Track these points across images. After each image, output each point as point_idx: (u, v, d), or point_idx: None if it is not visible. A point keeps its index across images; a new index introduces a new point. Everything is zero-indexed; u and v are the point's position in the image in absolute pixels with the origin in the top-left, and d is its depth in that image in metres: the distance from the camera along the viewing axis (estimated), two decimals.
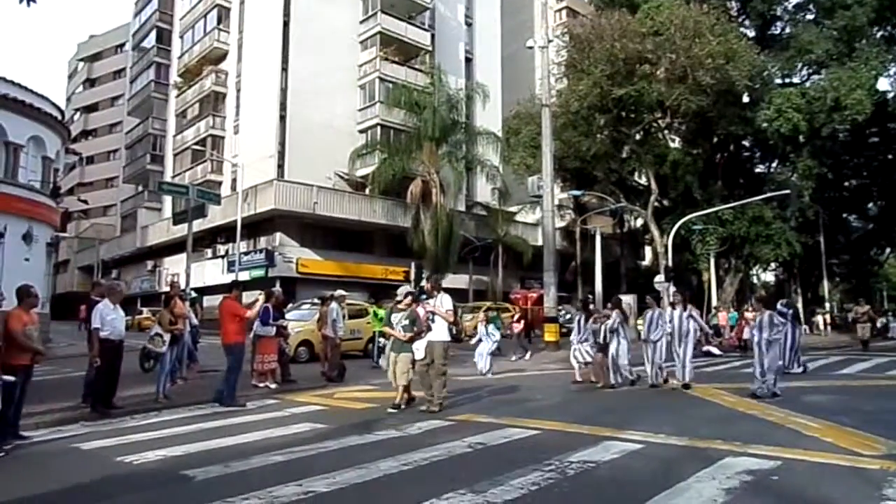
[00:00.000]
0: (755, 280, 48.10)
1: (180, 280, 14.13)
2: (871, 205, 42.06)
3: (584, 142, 29.51)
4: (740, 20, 32.47)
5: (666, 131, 33.50)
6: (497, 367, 14.66)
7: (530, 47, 20.11)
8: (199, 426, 7.77)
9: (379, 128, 36.53)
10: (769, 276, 55.91)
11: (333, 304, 13.03)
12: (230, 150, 39.40)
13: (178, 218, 16.15)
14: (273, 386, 11.08)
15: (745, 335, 18.59)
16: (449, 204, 30.89)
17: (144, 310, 37.03)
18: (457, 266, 32.26)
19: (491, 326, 14.97)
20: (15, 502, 4.75)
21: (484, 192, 37.88)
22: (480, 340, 14.48)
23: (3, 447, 6.42)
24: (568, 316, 23.55)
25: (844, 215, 42.58)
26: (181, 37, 45.95)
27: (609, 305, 12.53)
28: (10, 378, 6.43)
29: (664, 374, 11.50)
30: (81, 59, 67.34)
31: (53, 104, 22.77)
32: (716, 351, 19.88)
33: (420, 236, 29.73)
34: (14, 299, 6.95)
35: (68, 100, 66.94)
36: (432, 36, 40.70)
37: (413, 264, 29.63)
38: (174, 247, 37.41)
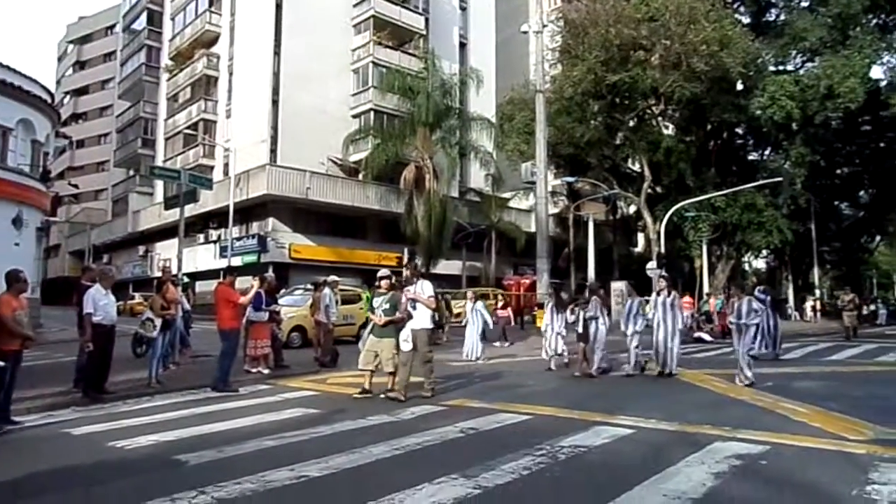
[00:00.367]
0: (747, 267, 48.37)
1: (172, 265, 14.08)
2: (862, 193, 42.25)
3: (578, 128, 29.47)
4: (735, 6, 32.35)
5: (660, 118, 33.48)
6: (489, 353, 14.73)
7: (525, 32, 20.04)
8: (191, 411, 7.77)
9: (372, 113, 36.37)
10: (761, 263, 56.21)
11: (326, 290, 13.01)
12: (222, 134, 39.12)
13: (169, 203, 16.06)
14: (266, 371, 11.10)
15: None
16: (442, 190, 30.88)
17: (136, 295, 36.87)
18: (450, 252, 32.31)
19: (480, 303, 15.06)
20: (6, 486, 4.74)
21: (477, 178, 37.84)
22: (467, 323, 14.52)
23: None
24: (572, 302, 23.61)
25: (836, 203, 42.77)
26: (172, 19, 45.46)
27: (587, 292, 12.37)
28: (0, 363, 6.41)
29: (642, 363, 11.44)
30: (71, 42, 66.52)
31: (43, 87, 22.50)
32: (707, 337, 20.04)
33: (413, 222, 29.73)
34: (3, 284, 6.90)
35: (58, 83, 66.20)
36: (426, 20, 40.42)
37: (406, 250, 29.70)
38: (166, 232, 37.25)
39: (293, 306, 16.78)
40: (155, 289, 10.69)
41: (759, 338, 12.11)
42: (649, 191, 31.65)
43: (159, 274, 14.30)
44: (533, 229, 26.94)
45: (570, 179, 33.56)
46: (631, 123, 31.63)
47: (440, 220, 29.64)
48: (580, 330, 11.54)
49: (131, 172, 50.65)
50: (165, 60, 46.29)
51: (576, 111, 29.27)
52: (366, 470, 5.06)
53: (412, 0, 40.07)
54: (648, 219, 30.39)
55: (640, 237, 44.36)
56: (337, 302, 13.42)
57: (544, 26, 19.63)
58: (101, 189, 58.77)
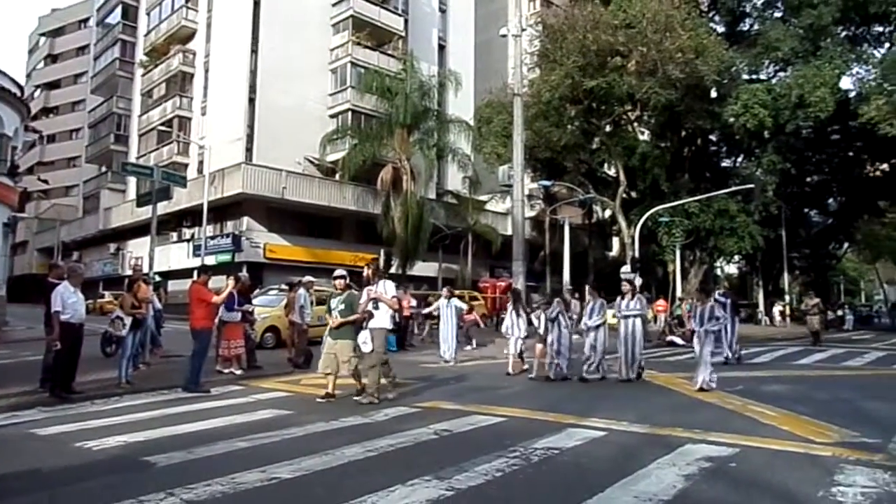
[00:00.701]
0: (719, 272, 49.07)
1: (144, 263, 13.87)
2: (830, 200, 43.12)
3: (555, 132, 29.65)
4: (710, 15, 32.85)
5: (635, 124, 33.84)
6: (464, 356, 14.73)
7: (504, 36, 20.09)
8: (161, 412, 7.66)
9: (350, 113, 36.21)
10: (733, 269, 57.11)
11: (301, 290, 12.93)
12: (197, 131, 38.63)
13: (142, 200, 15.79)
14: (238, 372, 10.99)
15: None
16: (419, 191, 30.86)
17: (107, 293, 36.25)
18: (426, 254, 32.28)
19: (455, 300, 14.91)
20: None
21: (455, 180, 37.87)
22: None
23: None
24: (534, 305, 23.71)
25: (805, 210, 43.59)
26: (148, 14, 44.76)
27: (546, 294, 12.29)
28: None
29: (604, 368, 11.08)
30: (43, 34, 65.16)
31: (12, 79, 22.02)
32: (679, 341, 20.23)
33: (390, 223, 29.66)
34: None
35: (28, 76, 64.74)
36: (405, 21, 40.37)
37: (382, 251, 29.58)
38: (138, 229, 36.66)
39: (267, 306, 16.64)
40: (126, 287, 10.52)
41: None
42: (624, 195, 31.96)
43: (130, 272, 14.09)
44: (509, 232, 27.02)
45: (547, 183, 33.74)
46: (607, 129, 31.91)
47: (417, 221, 29.61)
48: (541, 332, 11.36)
49: (103, 169, 49.70)
50: (140, 56, 45.58)
51: (553, 115, 29.44)
52: (338, 472, 5.03)
53: (391, 1, 40.01)
54: (623, 223, 30.68)
55: (616, 241, 44.80)
56: (312, 303, 13.34)
57: (523, 30, 19.71)
58: (71, 185, 57.63)
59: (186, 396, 8.82)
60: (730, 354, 14.40)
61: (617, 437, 6.39)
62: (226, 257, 32.15)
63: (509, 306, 12.85)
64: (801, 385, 10.81)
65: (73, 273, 8.73)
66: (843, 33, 30.48)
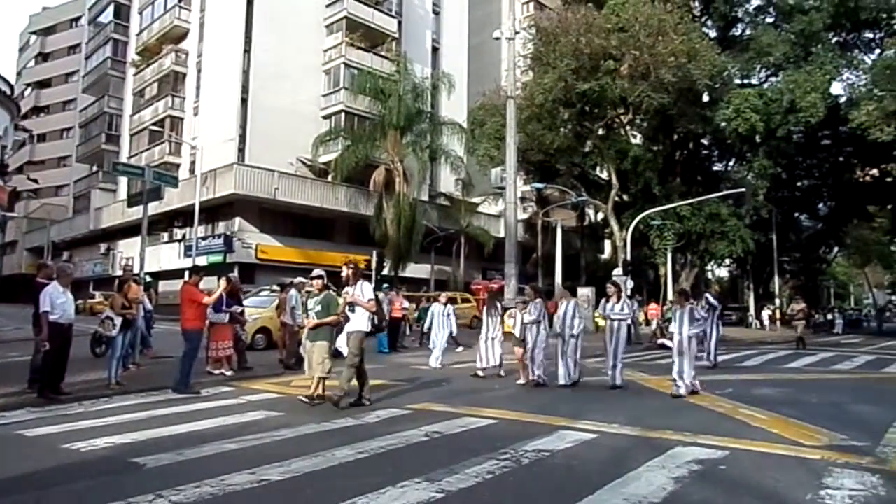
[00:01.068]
0: (710, 275, 49.31)
1: (134, 264, 13.79)
2: (821, 205, 43.42)
3: (548, 135, 29.71)
4: (703, 20, 33.03)
5: (628, 127, 33.96)
6: (456, 358, 14.70)
7: (497, 38, 20.07)
8: (151, 413, 7.60)
9: (343, 114, 36.17)
10: (723, 272, 57.41)
11: (293, 292, 12.89)
12: (189, 131, 38.48)
13: (133, 200, 15.71)
14: (228, 373, 10.93)
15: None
16: (412, 193, 30.86)
17: (97, 294, 36.04)
18: (419, 255, 32.28)
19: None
20: None
21: (448, 182, 37.88)
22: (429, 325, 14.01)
23: None
24: (514, 305, 23.63)
25: (796, 214, 43.91)
26: (140, 13, 44.63)
27: (526, 293, 11.26)
28: None
29: (577, 373, 10.61)
30: (34, 32, 64.75)
31: (2, 78, 21.87)
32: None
33: (382, 225, 29.65)
34: None
35: (19, 74, 64.30)
36: (399, 23, 40.37)
37: (375, 253, 29.58)
38: (129, 230, 36.50)
39: (258, 307, 16.57)
40: (116, 287, 10.45)
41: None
42: (616, 198, 32.06)
43: (121, 272, 14.00)
44: (502, 234, 27.04)
45: (540, 186, 33.82)
46: (600, 132, 32.02)
47: (410, 223, 29.61)
48: (517, 334, 10.90)
49: (94, 168, 49.46)
50: (132, 55, 45.39)
51: (546, 118, 29.51)
52: (328, 473, 5.01)
53: (385, 3, 40.02)
54: (615, 226, 30.77)
55: (608, 244, 44.89)
56: (303, 304, 13.26)
57: (516, 33, 19.70)
58: (62, 184, 57.26)
59: (176, 398, 8.76)
60: (709, 360, 14.13)
61: (608, 440, 6.40)
62: (217, 258, 32.03)
63: (484, 307, 12.58)
64: (790, 388, 10.86)
65: (62, 273, 8.66)
66: (834, 39, 30.75)
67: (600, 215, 39.79)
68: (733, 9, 32.41)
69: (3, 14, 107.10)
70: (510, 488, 4.76)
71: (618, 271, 25.76)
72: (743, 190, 29.42)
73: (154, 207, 17.44)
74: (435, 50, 43.25)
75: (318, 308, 8.19)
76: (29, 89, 62.04)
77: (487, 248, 36.34)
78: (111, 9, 48.25)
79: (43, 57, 63.61)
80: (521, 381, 10.77)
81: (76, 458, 5.51)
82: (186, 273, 10.19)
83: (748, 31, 32.52)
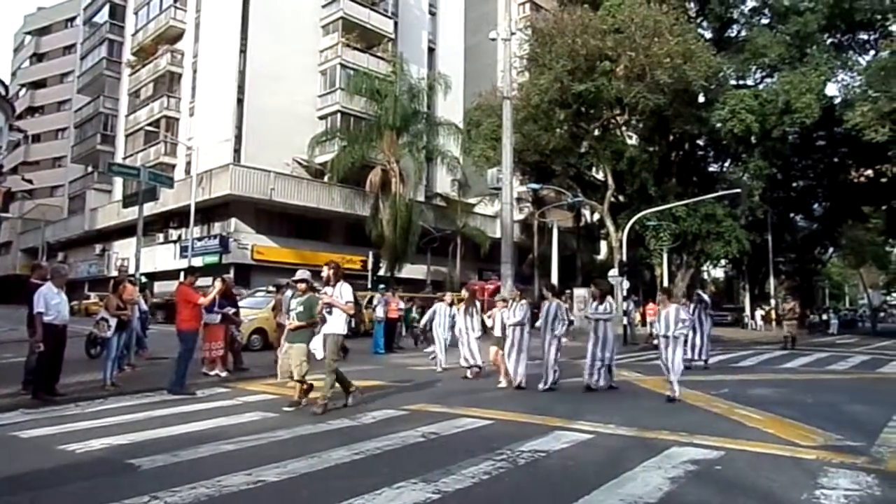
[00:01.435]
0: (706, 276, 49.42)
1: (130, 264, 13.76)
2: (816, 206, 43.57)
3: (544, 136, 29.71)
4: (698, 21, 33.07)
5: (624, 128, 33.99)
6: (453, 360, 14.68)
7: (493, 39, 20.10)
8: (146, 414, 7.59)
9: (339, 115, 36.14)
10: (719, 273, 57.55)
11: (289, 292, 12.84)
12: (185, 132, 38.41)
13: (128, 200, 15.71)
14: (222, 374, 10.85)
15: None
16: (408, 194, 30.84)
17: (92, 294, 35.94)
18: (415, 256, 32.27)
19: (455, 309, 13.44)
20: None
21: (444, 182, 37.89)
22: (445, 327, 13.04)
23: None
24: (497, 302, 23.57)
25: (791, 215, 44.03)
26: (136, 13, 44.48)
27: (511, 293, 11.03)
28: None
29: (557, 375, 10.26)
30: (28, 33, 64.52)
31: None
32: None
33: (378, 225, 29.63)
34: None
35: (13, 74, 64.06)
36: (395, 24, 40.38)
37: (371, 253, 29.58)
38: (124, 230, 36.36)
39: (254, 308, 16.55)
40: (111, 288, 10.42)
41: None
42: (612, 199, 32.09)
43: (116, 273, 13.98)
44: (498, 235, 27.06)
45: (536, 186, 33.84)
46: (596, 133, 32.04)
47: (406, 223, 29.59)
48: (497, 333, 10.66)
49: (89, 169, 49.29)
50: (128, 55, 45.27)
51: (542, 119, 29.51)
52: (325, 474, 5.01)
53: (381, 3, 40.00)
54: (611, 227, 30.80)
55: (603, 245, 44.99)
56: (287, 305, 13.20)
57: (513, 34, 19.74)
58: (57, 185, 57.04)
59: (171, 399, 8.74)
60: (702, 360, 14.07)
61: (604, 440, 6.40)
62: (213, 259, 31.96)
63: (462, 306, 12.17)
64: (785, 388, 10.89)
65: (57, 274, 8.64)
66: (829, 40, 30.82)
67: (596, 216, 39.83)
68: (729, 10, 32.46)
69: None
70: (506, 489, 4.76)
71: (614, 272, 25.77)
72: (738, 191, 29.48)
73: (149, 208, 17.44)
74: (431, 51, 43.26)
75: (300, 309, 8.01)
76: (24, 90, 61.79)
77: (484, 249, 36.34)
78: (106, 9, 48.09)
79: (38, 57, 63.38)
80: (503, 383, 10.44)
81: (71, 460, 5.49)
82: (181, 274, 10.13)
83: (743, 33, 32.56)
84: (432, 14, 44.07)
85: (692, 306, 13.94)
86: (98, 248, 42.90)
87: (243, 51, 35.11)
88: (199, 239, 33.06)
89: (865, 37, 31.60)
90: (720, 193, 29.36)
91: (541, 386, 10.05)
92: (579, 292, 25.41)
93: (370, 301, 20.59)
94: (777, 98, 27.10)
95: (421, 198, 36.23)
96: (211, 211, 33.58)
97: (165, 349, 12.15)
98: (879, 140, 25.19)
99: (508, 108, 18.84)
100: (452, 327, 12.85)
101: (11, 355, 11.82)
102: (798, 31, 28.39)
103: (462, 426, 7.03)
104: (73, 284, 36.27)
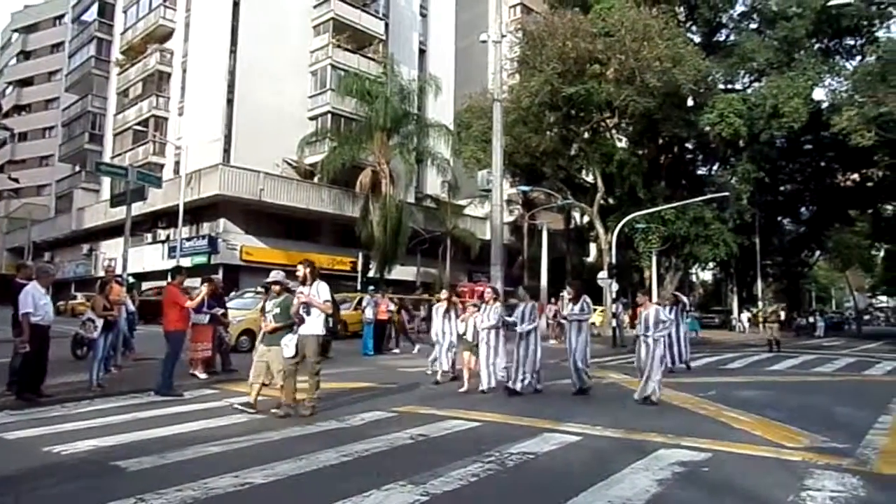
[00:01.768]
0: (694, 278, 49.67)
1: (117, 265, 13.66)
2: (803, 209, 43.93)
3: (534, 138, 29.78)
4: (688, 26, 33.25)
5: (613, 131, 34.11)
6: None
7: (484, 41, 20.11)
8: (133, 416, 7.53)
9: (329, 115, 36.06)
10: (708, 275, 57.87)
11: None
12: (174, 132, 38.17)
13: (116, 200, 15.59)
14: (203, 376, 10.70)
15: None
16: (399, 195, 30.81)
17: (79, 295, 35.62)
18: (405, 257, 32.21)
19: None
20: None
21: (434, 184, 37.86)
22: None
23: None
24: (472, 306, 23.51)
25: (779, 218, 44.33)
26: (125, 12, 44.16)
27: (486, 296, 10.46)
28: None
29: (535, 378, 10.11)
30: (16, 30, 63.95)
31: None
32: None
33: (368, 227, 29.56)
34: None
35: (0, 72, 63.52)
36: (386, 25, 40.34)
37: (360, 255, 29.51)
38: (112, 230, 36.05)
39: (243, 309, 16.46)
40: (98, 288, 10.33)
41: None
42: (602, 202, 32.19)
43: (103, 273, 13.84)
44: (488, 237, 27.07)
45: (526, 188, 33.90)
46: (585, 135, 32.13)
47: (396, 225, 29.54)
48: (469, 339, 10.43)
49: (77, 168, 48.88)
50: (116, 54, 44.95)
51: (532, 121, 29.57)
52: (312, 477, 4.99)
53: (372, 4, 39.99)
54: (600, 229, 30.89)
55: (593, 247, 45.12)
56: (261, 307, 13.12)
57: (503, 36, 19.75)
58: (44, 184, 56.51)
59: (159, 400, 8.67)
60: (683, 363, 14.07)
61: (592, 442, 6.42)
62: (202, 259, 31.76)
63: (440, 309, 11.80)
64: (772, 390, 10.97)
65: (42, 274, 8.55)
66: (816, 45, 31.10)
67: (586, 218, 39.93)
68: (718, 15, 32.69)
69: None
70: (494, 491, 4.76)
71: (603, 274, 25.87)
72: (727, 194, 29.66)
73: (138, 208, 17.30)
74: (422, 52, 43.26)
75: (277, 311, 7.86)
76: (10, 87, 61.27)
77: (473, 251, 36.34)
78: (95, 7, 47.69)
79: (25, 55, 62.83)
80: (463, 388, 10.09)
81: (56, 461, 5.44)
82: (169, 274, 10.05)
83: (732, 37, 32.80)
84: (423, 16, 44.09)
85: (668, 307, 13.93)
86: (85, 247, 42.54)
87: (233, 51, 34.96)
88: (188, 239, 32.86)
89: (852, 42, 31.89)
90: (708, 197, 29.53)
91: (510, 385, 9.87)
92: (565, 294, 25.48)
93: (360, 302, 20.58)
94: (765, 102, 27.32)
95: (411, 199, 36.19)
96: (200, 211, 33.39)
97: (152, 350, 12.06)
98: (865, 145, 25.42)
99: (499, 111, 18.86)
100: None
101: None
102: (786, 36, 28.64)
103: (450, 428, 7.03)
104: (60, 284, 35.96)
